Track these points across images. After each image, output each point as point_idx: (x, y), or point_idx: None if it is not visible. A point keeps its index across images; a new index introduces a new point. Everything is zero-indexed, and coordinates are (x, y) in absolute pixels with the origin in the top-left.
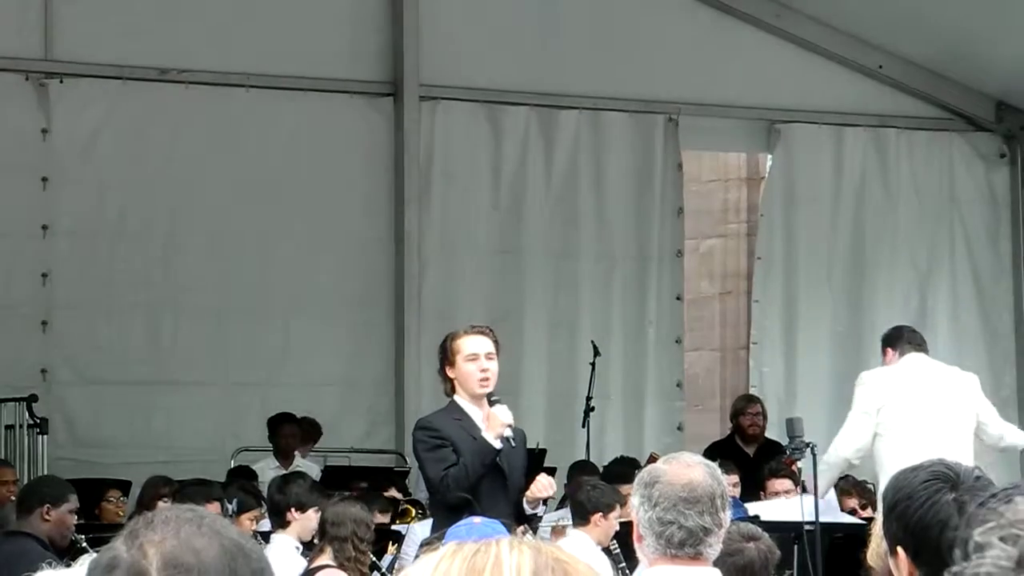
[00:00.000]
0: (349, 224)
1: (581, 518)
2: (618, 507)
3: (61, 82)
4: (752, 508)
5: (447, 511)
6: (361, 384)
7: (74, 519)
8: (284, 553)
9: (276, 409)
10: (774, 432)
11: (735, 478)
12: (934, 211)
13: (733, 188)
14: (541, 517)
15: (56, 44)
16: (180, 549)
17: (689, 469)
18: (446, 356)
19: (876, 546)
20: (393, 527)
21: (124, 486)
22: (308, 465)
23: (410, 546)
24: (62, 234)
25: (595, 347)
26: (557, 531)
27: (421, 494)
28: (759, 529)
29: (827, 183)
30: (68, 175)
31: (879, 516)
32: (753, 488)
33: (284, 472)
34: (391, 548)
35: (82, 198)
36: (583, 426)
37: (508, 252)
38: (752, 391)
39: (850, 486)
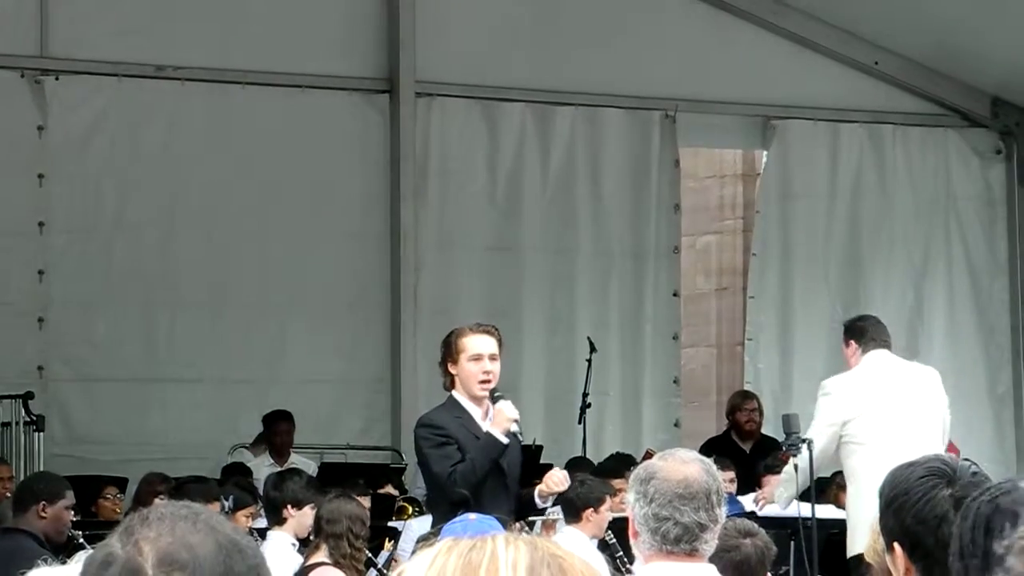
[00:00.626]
0: (345, 221)
1: (573, 515)
2: (608, 498)
3: (57, 79)
4: (748, 504)
5: (449, 507)
6: (357, 381)
7: (71, 515)
8: (280, 550)
9: (272, 406)
10: (770, 428)
11: (731, 474)
12: (930, 207)
13: (729, 184)
14: (548, 510)
15: (52, 41)
16: (175, 546)
17: (685, 465)
18: (449, 351)
19: (873, 542)
20: (389, 523)
21: (121, 483)
22: (304, 462)
23: (406, 542)
24: (58, 231)
25: (591, 343)
26: (548, 525)
27: (418, 491)
28: (755, 525)
29: (823, 179)
30: (64, 172)
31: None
32: (749, 484)
33: (279, 469)
34: (387, 544)
35: (78, 195)
36: (579, 422)
37: (505, 249)
38: (748, 387)
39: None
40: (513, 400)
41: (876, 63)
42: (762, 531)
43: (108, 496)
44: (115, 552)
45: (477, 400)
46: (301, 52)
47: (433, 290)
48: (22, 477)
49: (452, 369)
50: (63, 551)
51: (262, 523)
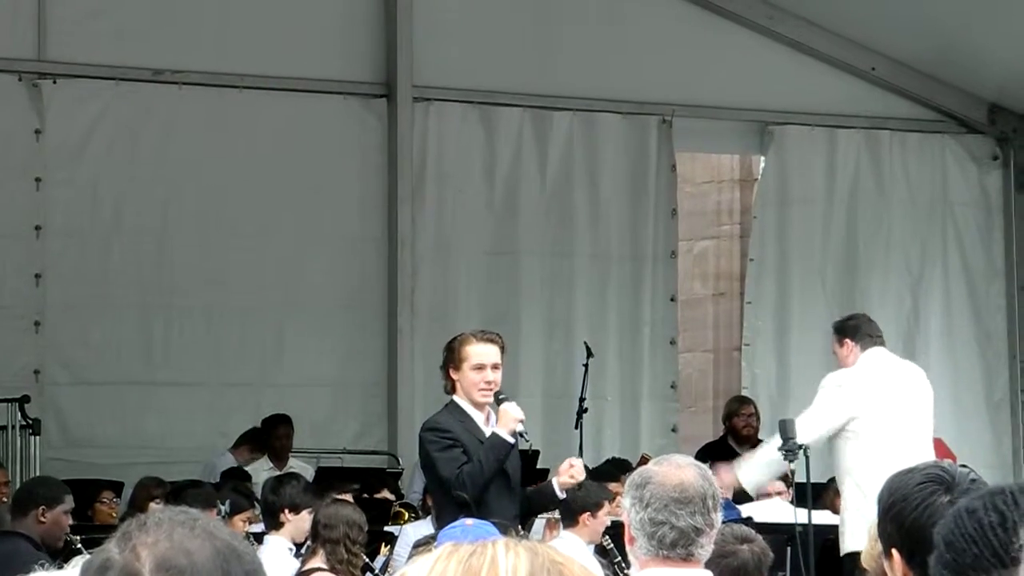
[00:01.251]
0: (342, 225)
1: (570, 519)
2: (606, 503)
3: (54, 83)
4: (745, 510)
5: (455, 509)
6: (354, 385)
7: (69, 520)
8: (277, 554)
9: (269, 410)
10: (766, 434)
11: None
12: (927, 213)
13: (726, 190)
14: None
15: (49, 45)
16: (173, 551)
17: (680, 470)
18: (452, 357)
19: (870, 548)
20: (386, 528)
21: (117, 487)
22: (302, 467)
23: (402, 548)
24: (55, 235)
25: (588, 348)
26: (551, 525)
27: (414, 495)
28: (752, 531)
29: (820, 185)
30: (61, 176)
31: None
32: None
33: (278, 473)
34: (383, 549)
35: (75, 199)
36: (576, 427)
37: (502, 253)
38: (745, 392)
39: None
40: None
41: (873, 69)
42: (759, 537)
43: (104, 500)
44: (112, 557)
45: (478, 405)
46: (298, 56)
47: (430, 294)
48: (18, 481)
49: (454, 375)
50: (60, 555)
51: (260, 527)
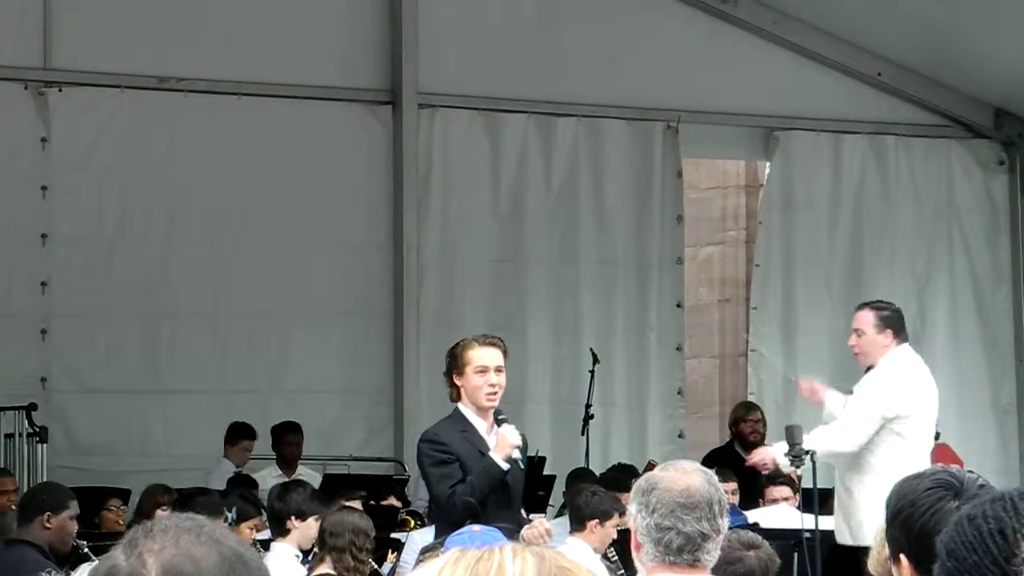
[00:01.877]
0: (348, 232)
1: (578, 523)
2: (616, 515)
3: (60, 91)
4: (751, 516)
5: (450, 527)
6: (360, 392)
7: (75, 526)
8: (284, 561)
9: (275, 417)
10: (772, 439)
11: (733, 485)
12: (933, 218)
13: (732, 195)
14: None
15: (55, 53)
16: (179, 558)
17: (686, 475)
18: (455, 363)
19: (877, 553)
20: (392, 535)
21: (124, 494)
22: (309, 474)
23: (409, 554)
24: (61, 242)
25: (594, 355)
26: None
27: (420, 502)
28: (759, 537)
29: (826, 190)
30: (67, 183)
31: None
32: (752, 495)
33: (286, 480)
34: (390, 556)
35: (81, 206)
36: (582, 433)
37: (507, 260)
38: (751, 398)
39: None
40: (518, 411)
41: (879, 74)
42: (766, 543)
43: (111, 507)
44: (119, 564)
45: (483, 413)
46: (304, 63)
47: (436, 301)
48: (26, 489)
49: (457, 381)
50: (67, 562)
51: (266, 534)
